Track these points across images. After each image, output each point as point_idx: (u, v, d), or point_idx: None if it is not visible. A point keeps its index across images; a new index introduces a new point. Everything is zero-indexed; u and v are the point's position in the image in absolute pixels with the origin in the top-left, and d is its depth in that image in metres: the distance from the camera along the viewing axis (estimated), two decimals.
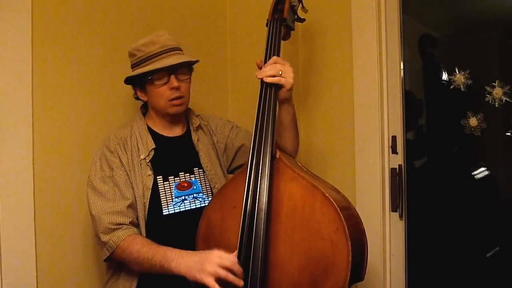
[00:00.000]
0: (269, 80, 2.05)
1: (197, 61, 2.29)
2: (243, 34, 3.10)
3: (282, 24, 2.20)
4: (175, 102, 2.20)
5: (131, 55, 2.26)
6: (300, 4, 2.35)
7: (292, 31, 2.31)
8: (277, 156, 1.95)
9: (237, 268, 1.85)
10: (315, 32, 2.71)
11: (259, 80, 2.08)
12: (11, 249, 2.18)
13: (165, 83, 2.18)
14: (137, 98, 2.31)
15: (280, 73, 2.05)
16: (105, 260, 2.13)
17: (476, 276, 2.41)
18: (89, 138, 2.45)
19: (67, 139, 2.40)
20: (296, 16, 2.34)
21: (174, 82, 2.18)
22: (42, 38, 2.30)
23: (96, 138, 2.43)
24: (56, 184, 2.35)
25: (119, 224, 2.06)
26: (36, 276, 2.26)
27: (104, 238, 2.06)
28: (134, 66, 2.25)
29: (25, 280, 2.22)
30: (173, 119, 2.30)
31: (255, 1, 3.00)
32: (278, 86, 2.07)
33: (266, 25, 2.21)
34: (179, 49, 2.25)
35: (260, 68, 2.11)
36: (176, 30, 2.80)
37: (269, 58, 2.11)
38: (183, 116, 2.36)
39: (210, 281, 1.82)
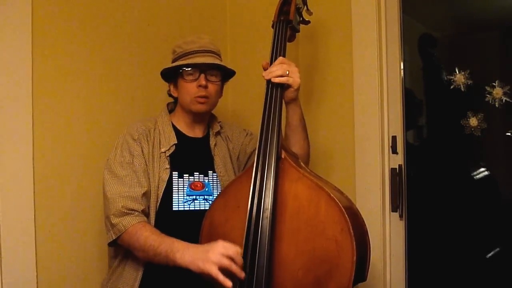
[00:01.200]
0: (277, 80, 2.07)
1: (232, 71, 2.35)
2: (243, 35, 3.10)
3: (288, 25, 2.21)
4: (199, 99, 2.25)
5: (173, 51, 2.35)
6: (305, 7, 2.36)
7: (297, 33, 2.33)
8: (283, 156, 1.96)
9: (239, 259, 1.85)
10: (315, 32, 2.71)
11: (263, 80, 2.10)
12: (11, 249, 2.17)
13: (194, 80, 2.24)
14: (170, 95, 2.37)
15: (287, 73, 2.07)
16: (109, 245, 2.14)
17: (476, 276, 2.42)
18: (89, 138, 2.45)
19: (67, 139, 2.39)
20: (301, 18, 2.35)
21: (202, 80, 2.23)
22: (42, 38, 2.30)
23: (96, 138, 2.44)
24: (56, 184, 2.34)
25: (132, 209, 2.08)
26: (36, 276, 2.25)
27: (115, 220, 2.07)
28: (173, 61, 2.33)
29: (25, 280, 2.21)
30: (196, 118, 2.34)
31: (256, 2, 3.01)
32: (284, 87, 2.08)
33: (272, 27, 2.23)
34: (216, 54, 2.32)
35: (266, 70, 2.12)
36: (176, 31, 2.81)
37: (275, 59, 2.12)
38: (206, 119, 2.41)
39: (214, 269, 1.82)
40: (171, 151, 2.26)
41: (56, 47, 2.35)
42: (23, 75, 2.22)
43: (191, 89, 2.25)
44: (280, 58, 2.12)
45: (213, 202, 2.15)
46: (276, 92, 2.06)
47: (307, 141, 2.26)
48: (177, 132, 2.32)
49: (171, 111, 2.40)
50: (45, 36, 2.31)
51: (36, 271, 2.25)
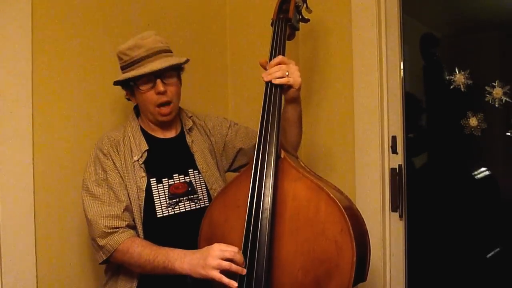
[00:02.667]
0: (277, 81, 2.03)
1: (186, 61, 2.24)
2: (243, 34, 3.10)
3: (287, 24, 2.19)
4: (162, 110, 2.17)
5: (119, 58, 2.23)
6: (305, 5, 2.34)
7: (296, 31, 2.32)
8: (282, 156, 1.95)
9: (239, 258, 1.86)
10: (315, 32, 2.71)
11: (260, 78, 2.07)
12: (11, 249, 2.17)
13: (151, 88, 2.15)
14: (129, 100, 2.29)
15: (287, 73, 2.03)
16: (101, 263, 2.11)
17: (476, 276, 2.42)
18: (89, 138, 2.44)
19: (67, 139, 2.39)
20: (300, 16, 2.34)
21: (160, 86, 2.14)
22: (42, 38, 2.30)
23: (96, 138, 2.41)
24: (56, 184, 2.34)
25: (116, 227, 2.04)
26: (36, 276, 2.25)
27: (101, 242, 2.04)
28: (122, 69, 2.22)
29: (25, 280, 2.21)
30: (163, 123, 2.27)
31: (255, 2, 3.00)
32: (284, 87, 2.06)
33: (271, 25, 2.21)
34: (166, 51, 2.20)
35: (265, 68, 2.09)
36: (176, 30, 2.81)
37: (274, 57, 2.09)
38: (177, 118, 2.33)
39: (216, 274, 1.83)
40: (144, 158, 2.19)
41: (56, 47, 2.35)
42: (23, 74, 2.22)
43: (150, 97, 2.16)
44: (279, 58, 2.07)
45: (213, 201, 2.13)
46: (275, 92, 2.04)
47: (301, 134, 2.25)
48: (148, 137, 2.26)
49: (138, 113, 2.32)
50: (45, 36, 2.31)
51: (36, 271, 2.25)
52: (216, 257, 1.85)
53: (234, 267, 1.84)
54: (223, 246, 1.87)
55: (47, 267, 2.30)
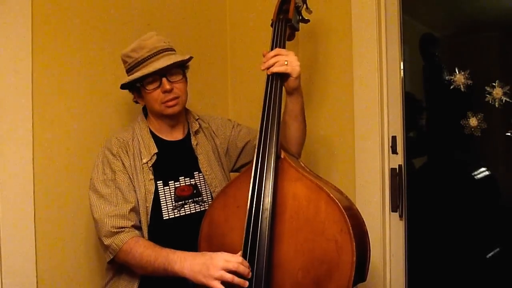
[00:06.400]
0: (276, 69, 2.03)
1: (189, 59, 2.25)
2: (243, 34, 3.10)
3: (287, 24, 2.19)
4: (169, 103, 2.17)
5: (123, 62, 2.23)
6: (305, 5, 2.34)
7: (296, 32, 2.31)
8: (282, 156, 1.95)
9: (243, 269, 1.84)
10: (315, 32, 2.71)
11: (263, 80, 2.08)
12: (11, 249, 2.17)
13: (158, 87, 2.15)
14: (137, 102, 2.30)
15: (286, 62, 2.03)
16: (108, 262, 2.11)
17: (476, 276, 2.42)
18: (89, 138, 2.45)
19: (67, 139, 2.39)
20: (300, 17, 2.33)
21: (166, 85, 2.14)
22: (42, 38, 2.30)
23: (97, 138, 2.43)
24: (56, 184, 2.34)
25: (122, 227, 2.04)
26: (36, 276, 2.25)
27: (107, 241, 2.04)
28: (127, 72, 2.23)
29: (25, 280, 2.21)
30: (172, 121, 2.27)
31: (255, 2, 3.00)
32: (283, 79, 2.06)
33: (271, 25, 2.21)
34: (169, 49, 2.21)
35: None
36: (176, 30, 2.81)
37: None
38: (184, 119, 2.34)
39: (217, 285, 1.82)
40: (153, 161, 2.19)
41: (56, 47, 2.35)
42: (23, 75, 2.22)
43: (157, 96, 2.16)
44: (277, 49, 2.07)
45: (213, 201, 2.13)
46: (275, 85, 2.04)
47: (305, 130, 2.24)
48: (157, 139, 2.26)
49: (147, 115, 2.32)
50: (45, 36, 2.31)
51: (36, 271, 2.25)
52: (219, 268, 1.83)
53: (236, 279, 1.83)
54: (227, 256, 1.86)
55: (47, 267, 2.30)
